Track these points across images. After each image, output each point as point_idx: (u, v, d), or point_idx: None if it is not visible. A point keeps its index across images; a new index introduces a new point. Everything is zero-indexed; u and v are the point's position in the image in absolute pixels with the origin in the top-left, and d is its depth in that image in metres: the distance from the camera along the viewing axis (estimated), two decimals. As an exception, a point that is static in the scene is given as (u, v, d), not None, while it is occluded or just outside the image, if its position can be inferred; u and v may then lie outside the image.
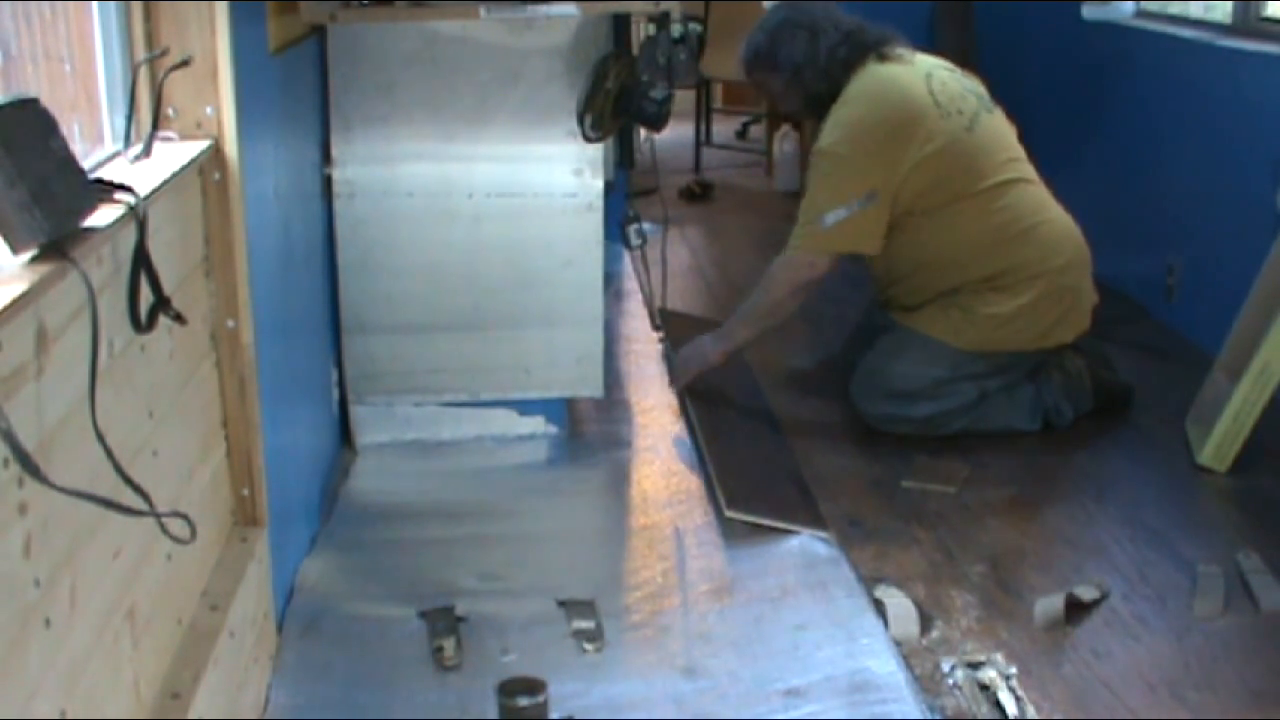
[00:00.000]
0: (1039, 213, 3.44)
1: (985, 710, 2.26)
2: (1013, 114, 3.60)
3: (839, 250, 3.37)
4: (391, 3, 3.03)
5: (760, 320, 3.48)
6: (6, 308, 1.28)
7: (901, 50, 3.49)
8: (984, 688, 2.32)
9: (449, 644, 2.38)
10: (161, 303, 1.73)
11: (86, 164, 1.71)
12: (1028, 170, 3.48)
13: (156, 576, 1.82)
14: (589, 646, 2.41)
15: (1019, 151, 3.50)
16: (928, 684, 2.34)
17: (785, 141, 6.36)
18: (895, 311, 3.54)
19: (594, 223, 3.27)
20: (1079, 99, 4.85)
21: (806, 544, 2.76)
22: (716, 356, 3.49)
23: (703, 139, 7.09)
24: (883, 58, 3.45)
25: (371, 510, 2.97)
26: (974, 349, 3.37)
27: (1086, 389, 3.48)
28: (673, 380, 3.61)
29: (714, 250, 5.42)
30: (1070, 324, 3.45)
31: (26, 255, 1.39)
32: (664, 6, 3.17)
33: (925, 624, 2.54)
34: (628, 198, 4.13)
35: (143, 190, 1.69)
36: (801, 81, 3.50)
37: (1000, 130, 3.49)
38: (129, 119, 1.95)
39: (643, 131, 4.01)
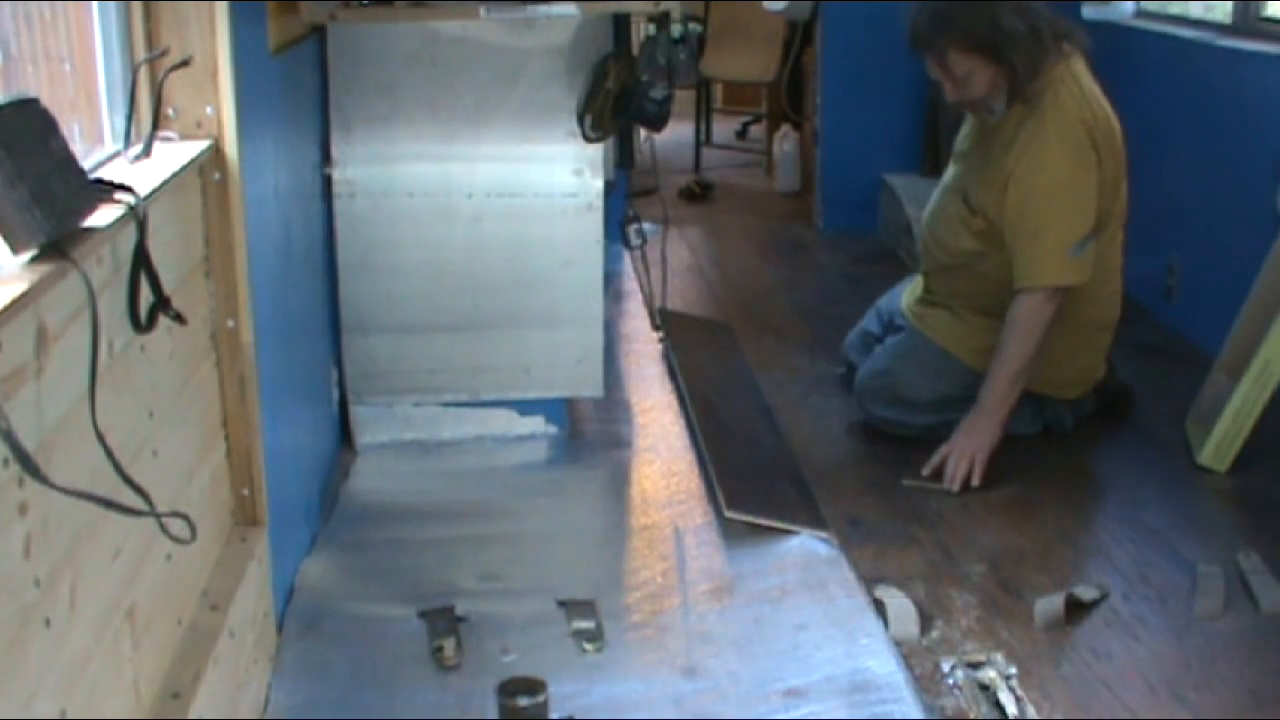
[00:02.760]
0: (1118, 264, 3.41)
1: (985, 710, 2.26)
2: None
3: (1074, 281, 3.18)
4: (391, 3, 3.03)
5: (1026, 372, 3.21)
6: (6, 308, 1.28)
7: (1076, 44, 3.27)
8: (984, 688, 2.32)
9: (449, 644, 2.38)
10: (161, 303, 1.73)
11: (86, 164, 1.71)
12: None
13: (156, 576, 1.82)
14: (589, 646, 2.41)
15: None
16: (928, 684, 2.34)
17: (785, 141, 6.36)
18: (921, 305, 3.51)
19: (594, 223, 3.26)
20: (1079, 99, 4.85)
21: (806, 544, 2.75)
22: (997, 429, 3.18)
23: (703, 139, 7.10)
24: (1072, 50, 3.24)
25: (371, 510, 2.97)
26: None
27: (1089, 397, 3.48)
28: (952, 479, 3.14)
29: (714, 250, 5.42)
30: (1088, 381, 3.46)
31: (26, 255, 1.39)
32: (664, 6, 3.17)
33: (925, 624, 2.54)
34: (628, 198, 4.13)
35: (143, 190, 1.69)
36: (1007, 68, 3.15)
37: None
38: (129, 119, 1.95)
39: (643, 131, 4.00)
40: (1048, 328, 3.20)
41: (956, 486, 3.12)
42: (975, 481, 3.14)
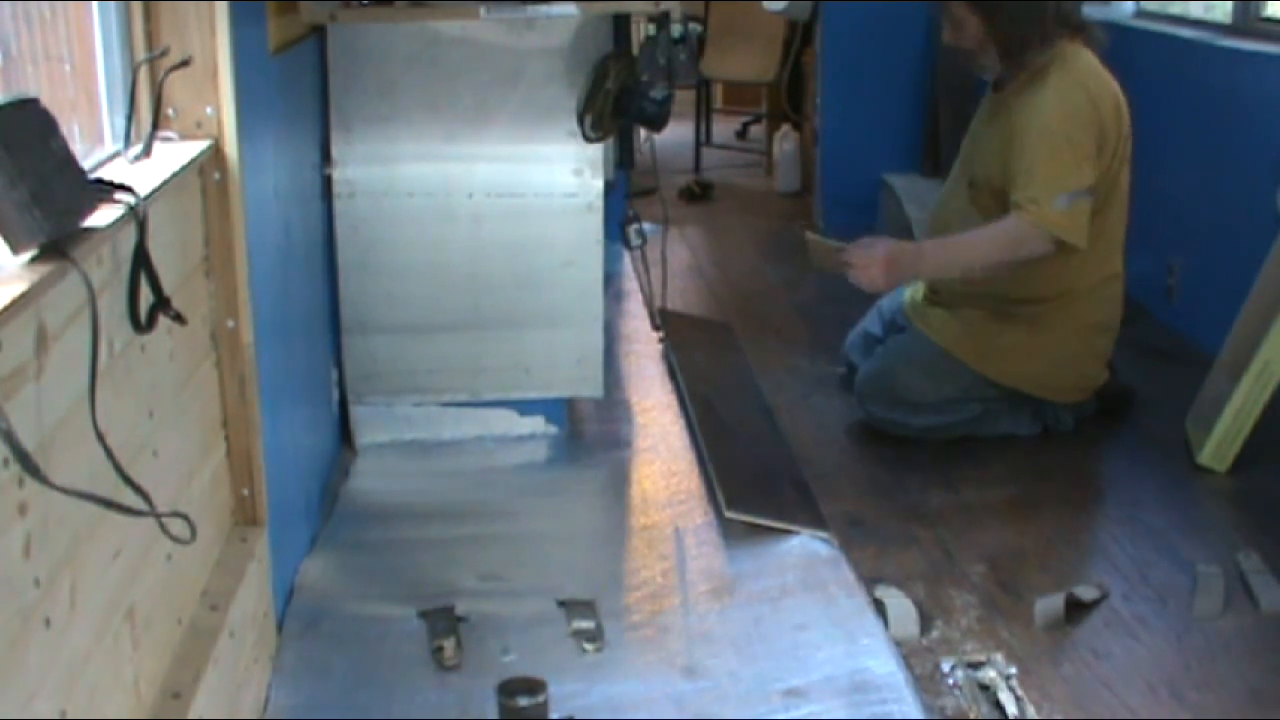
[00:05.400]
0: (1119, 263, 3.43)
1: (985, 710, 2.26)
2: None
3: (1062, 235, 3.19)
4: (391, 3, 3.03)
5: (968, 269, 3.28)
6: (6, 308, 1.27)
7: (1097, 40, 3.38)
8: (984, 688, 2.32)
9: (449, 644, 2.38)
10: (161, 303, 1.73)
11: (86, 164, 1.71)
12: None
13: (156, 576, 1.82)
14: (589, 646, 2.41)
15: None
16: (928, 684, 2.34)
17: (785, 141, 6.36)
18: (924, 306, 3.52)
19: (594, 223, 3.26)
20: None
21: (806, 544, 2.75)
22: (907, 277, 3.34)
23: (703, 139, 7.09)
24: (1085, 42, 3.34)
25: (371, 510, 2.97)
26: (993, 377, 3.37)
27: (1090, 399, 3.49)
28: (855, 265, 3.28)
29: (714, 250, 5.42)
30: (1089, 388, 3.46)
31: (26, 255, 1.39)
32: (664, 6, 3.17)
33: (925, 624, 2.54)
34: (628, 198, 4.14)
35: (143, 190, 1.69)
36: (996, 29, 3.31)
37: None
38: (129, 119, 1.95)
39: (643, 131, 4.00)
40: (1014, 259, 3.22)
41: (848, 272, 3.28)
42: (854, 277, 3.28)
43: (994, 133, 3.38)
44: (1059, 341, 3.35)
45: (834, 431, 3.51)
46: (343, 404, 3.27)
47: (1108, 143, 3.26)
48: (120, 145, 1.93)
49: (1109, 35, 3.46)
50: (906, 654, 2.41)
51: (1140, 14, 4.64)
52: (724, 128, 7.60)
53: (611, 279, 4.28)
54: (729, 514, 2.84)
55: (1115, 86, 3.31)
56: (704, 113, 7.17)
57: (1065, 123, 3.22)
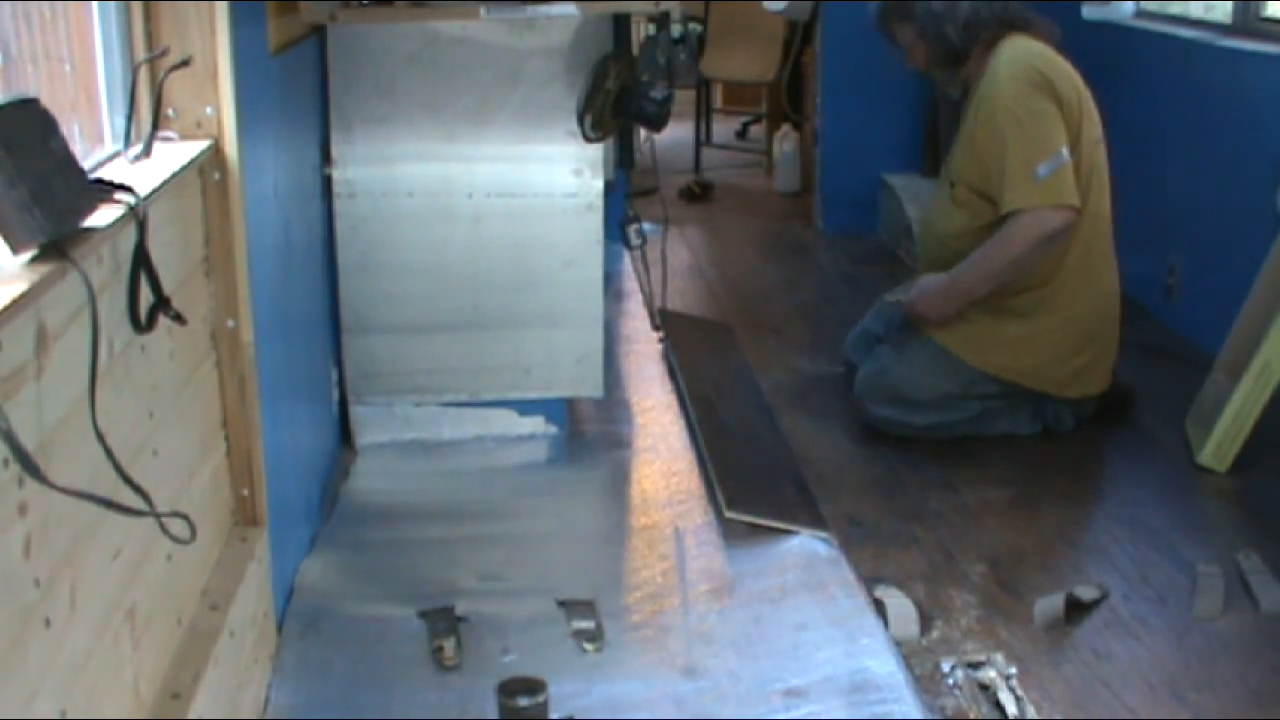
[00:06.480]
0: (1108, 249, 3.45)
1: (985, 710, 2.26)
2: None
3: (1055, 201, 3.23)
4: (391, 3, 3.03)
5: (996, 278, 3.33)
6: (6, 308, 1.27)
7: (1045, 33, 3.44)
8: (984, 688, 2.32)
9: (449, 644, 2.38)
10: (161, 303, 1.73)
11: (86, 164, 1.71)
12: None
13: (156, 576, 1.82)
14: (589, 646, 2.41)
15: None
16: (928, 684, 2.34)
17: (785, 141, 6.36)
18: None
19: (594, 223, 3.26)
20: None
21: (806, 544, 2.75)
22: (952, 311, 3.38)
23: (703, 139, 7.09)
24: (1032, 36, 3.40)
25: (371, 510, 2.97)
26: (992, 372, 3.37)
27: (1090, 398, 3.48)
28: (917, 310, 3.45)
29: (714, 250, 5.42)
30: (1091, 381, 3.46)
31: (26, 255, 1.39)
32: (664, 6, 3.16)
33: (925, 624, 2.54)
34: (628, 198, 4.13)
35: (143, 190, 1.69)
36: (935, 37, 3.45)
37: None
38: (129, 119, 1.95)
39: (643, 131, 4.00)
40: (1033, 249, 3.27)
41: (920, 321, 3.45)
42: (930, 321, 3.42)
43: (962, 131, 3.45)
44: (1052, 330, 3.35)
45: (834, 431, 3.51)
46: (343, 404, 3.28)
47: (1068, 104, 3.30)
48: (120, 145, 1.93)
49: (1105, 36, 3.48)
50: (906, 654, 2.41)
51: (1140, 14, 4.63)
52: (724, 128, 7.60)
53: (611, 279, 4.28)
54: (729, 514, 2.84)
55: (1065, 63, 3.37)
56: (704, 113, 7.17)
57: (1020, 97, 3.28)
